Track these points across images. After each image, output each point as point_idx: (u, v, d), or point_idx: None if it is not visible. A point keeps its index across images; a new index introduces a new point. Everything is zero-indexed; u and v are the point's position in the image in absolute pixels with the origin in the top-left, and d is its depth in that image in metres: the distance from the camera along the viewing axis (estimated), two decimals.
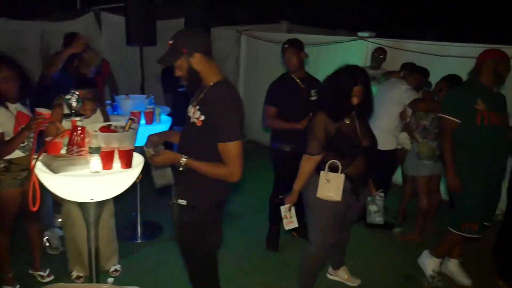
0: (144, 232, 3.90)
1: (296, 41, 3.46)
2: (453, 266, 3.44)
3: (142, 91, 5.72)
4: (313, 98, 3.40)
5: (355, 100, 2.65)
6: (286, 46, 3.44)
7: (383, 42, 5.30)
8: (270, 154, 3.73)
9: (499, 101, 3.10)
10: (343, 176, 2.66)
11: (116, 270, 3.29)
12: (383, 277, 3.44)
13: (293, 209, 2.87)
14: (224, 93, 2.08)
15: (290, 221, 2.86)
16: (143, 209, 3.92)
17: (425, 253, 3.40)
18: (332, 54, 5.77)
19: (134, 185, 3.65)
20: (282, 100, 3.44)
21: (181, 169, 2.08)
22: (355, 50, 5.64)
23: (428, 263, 3.34)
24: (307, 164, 2.70)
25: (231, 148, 2.02)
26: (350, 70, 2.69)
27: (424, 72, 4.14)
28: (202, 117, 2.07)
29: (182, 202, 2.17)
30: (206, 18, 6.54)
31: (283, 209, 2.85)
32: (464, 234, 3.13)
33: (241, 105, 2.13)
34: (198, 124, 2.08)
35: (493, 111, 2.99)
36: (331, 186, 2.65)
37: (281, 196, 3.60)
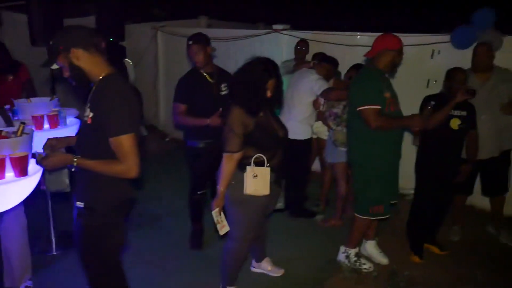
0: (59, 243, 3.66)
1: (200, 36, 3.36)
2: (370, 247, 3.59)
3: (54, 94, 5.38)
4: (223, 93, 3.35)
5: (269, 93, 2.65)
6: (190, 42, 3.33)
7: (297, 34, 5.40)
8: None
9: (392, 86, 3.24)
10: (269, 169, 2.65)
11: (26, 287, 3.06)
12: (306, 263, 3.51)
13: (222, 213, 2.77)
14: (109, 87, 2.00)
15: (223, 225, 2.75)
16: (57, 218, 3.68)
17: (341, 250, 3.47)
18: (250, 48, 5.79)
19: (44, 193, 3.44)
20: (191, 96, 3.35)
21: (73, 169, 1.98)
22: (272, 43, 5.71)
23: (346, 257, 3.43)
24: (229, 163, 2.62)
25: (123, 142, 1.94)
26: (263, 63, 2.67)
27: (333, 62, 4.25)
28: (91, 114, 1.99)
29: (80, 204, 2.06)
30: (119, 15, 6.28)
31: (214, 214, 2.74)
32: (373, 218, 3.27)
33: (131, 97, 2.05)
34: (88, 122, 2.01)
35: (393, 97, 3.14)
36: (259, 181, 2.63)
37: (199, 192, 3.57)
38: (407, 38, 4.70)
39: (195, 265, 3.45)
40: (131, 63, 6.07)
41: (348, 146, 3.38)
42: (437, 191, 3.54)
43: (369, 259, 3.48)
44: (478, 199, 4.40)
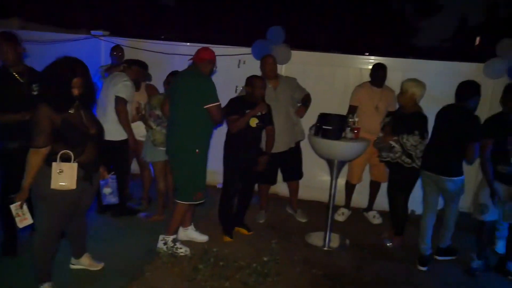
0: None
1: (9, 34, 3.33)
2: (190, 233, 4.02)
3: None
4: (35, 93, 3.35)
5: (75, 91, 2.77)
6: None
7: (116, 40, 5.56)
8: None
9: None
10: (76, 165, 2.77)
11: None
12: (127, 255, 3.68)
13: (25, 206, 2.81)
14: None
15: (23, 218, 2.78)
16: None
17: (160, 239, 3.76)
18: (69, 52, 5.62)
19: None
20: None
21: None
22: (92, 48, 5.74)
23: (164, 244, 3.73)
24: (35, 158, 2.68)
25: None
26: (68, 62, 2.78)
27: (142, 65, 4.49)
28: None
29: None
30: None
31: (14, 208, 2.76)
32: (195, 202, 3.70)
33: None
34: None
35: None
36: (65, 176, 2.73)
37: (11, 196, 3.46)
38: (219, 49, 5.32)
39: (9, 271, 3.33)
40: None
41: (174, 141, 3.65)
42: (241, 181, 4.13)
43: (184, 243, 3.83)
44: (280, 187, 5.21)
